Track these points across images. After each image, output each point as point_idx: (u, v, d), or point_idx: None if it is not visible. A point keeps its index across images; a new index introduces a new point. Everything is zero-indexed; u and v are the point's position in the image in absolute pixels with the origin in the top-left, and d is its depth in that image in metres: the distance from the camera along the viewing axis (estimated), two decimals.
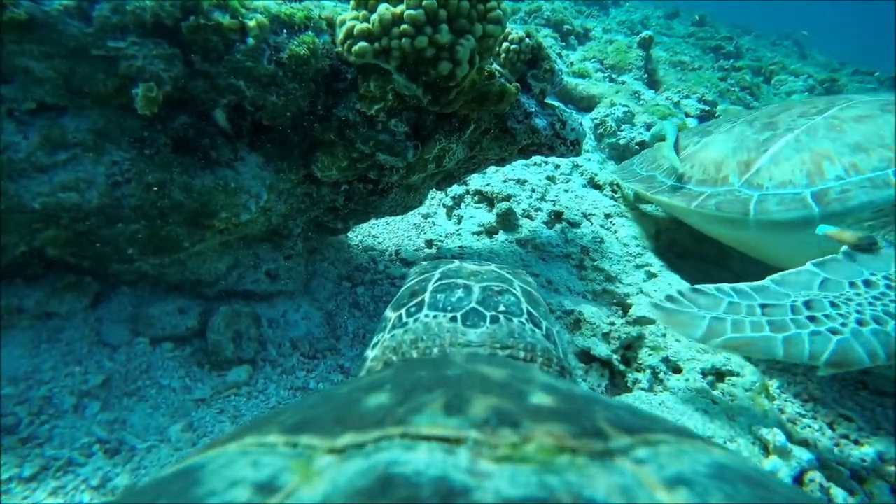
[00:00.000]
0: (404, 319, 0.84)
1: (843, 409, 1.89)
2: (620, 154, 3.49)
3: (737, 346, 1.38)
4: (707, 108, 4.43)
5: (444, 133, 1.69)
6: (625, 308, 1.96)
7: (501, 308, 0.82)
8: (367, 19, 1.35)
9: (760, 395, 1.61)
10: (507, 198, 2.56)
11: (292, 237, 1.78)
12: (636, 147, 3.46)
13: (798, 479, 1.40)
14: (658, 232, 2.50)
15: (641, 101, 4.13)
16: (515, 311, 0.82)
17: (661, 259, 2.26)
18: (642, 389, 1.59)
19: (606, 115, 3.57)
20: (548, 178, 2.79)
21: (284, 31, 1.37)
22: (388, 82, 1.45)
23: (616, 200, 2.72)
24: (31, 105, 1.17)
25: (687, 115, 4.16)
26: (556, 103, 2.13)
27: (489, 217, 2.52)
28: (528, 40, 1.94)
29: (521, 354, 0.76)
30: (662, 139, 2.71)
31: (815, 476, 1.40)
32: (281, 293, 1.88)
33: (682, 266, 2.38)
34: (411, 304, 0.86)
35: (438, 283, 0.88)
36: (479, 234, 2.46)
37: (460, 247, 2.36)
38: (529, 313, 0.83)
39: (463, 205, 2.66)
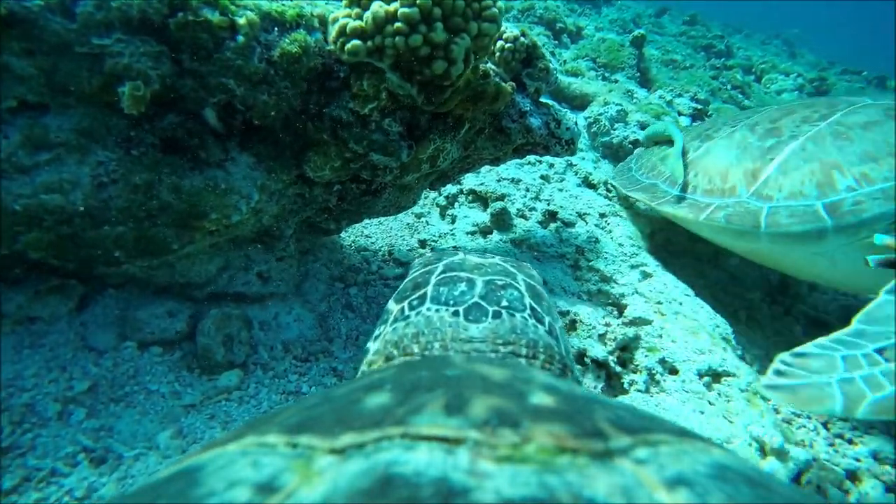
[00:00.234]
0: (406, 312, 0.83)
1: None
2: (614, 153, 3.48)
3: (889, 408, 1.19)
4: (699, 106, 4.44)
5: (438, 133, 1.66)
6: (620, 308, 1.95)
7: (504, 303, 0.81)
8: (360, 17, 1.32)
9: (756, 395, 1.61)
10: (502, 197, 2.54)
11: (284, 238, 1.75)
12: (629, 146, 3.45)
13: (795, 481, 1.39)
14: (653, 231, 2.49)
15: (634, 100, 4.13)
16: (518, 306, 0.81)
17: (656, 259, 2.25)
18: (638, 391, 1.58)
19: (600, 114, 3.56)
20: (542, 177, 2.77)
21: (275, 28, 1.34)
22: (381, 81, 1.42)
23: (610, 199, 2.71)
24: (12, 103, 1.13)
25: (679, 114, 4.17)
26: (550, 102, 2.11)
27: (483, 217, 2.50)
28: (522, 39, 1.92)
29: (523, 351, 0.75)
30: (658, 141, 2.69)
31: (812, 477, 1.40)
32: (272, 295, 1.85)
33: (677, 265, 2.37)
34: (414, 296, 0.85)
35: (441, 275, 0.87)
36: (473, 234, 2.44)
37: (454, 247, 2.33)
38: (532, 308, 0.82)
39: (457, 204, 2.64)
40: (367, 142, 1.52)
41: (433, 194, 2.70)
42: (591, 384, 1.59)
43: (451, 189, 2.65)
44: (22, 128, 1.14)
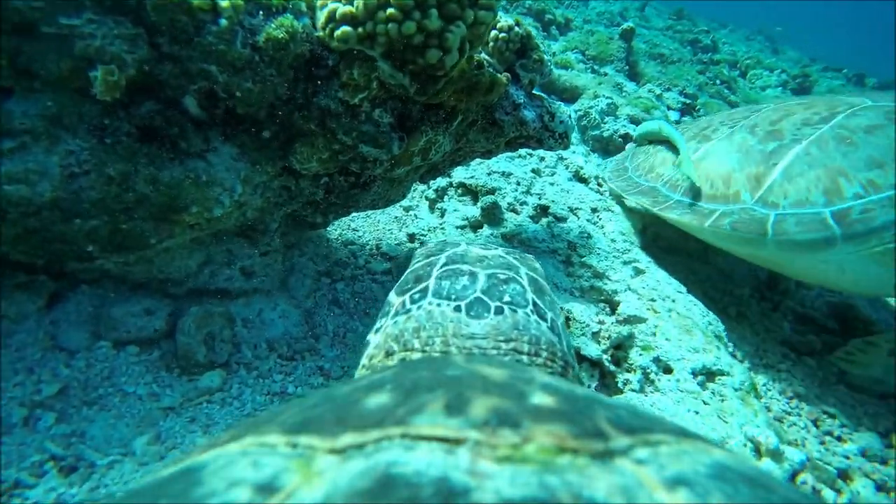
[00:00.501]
0: (408, 306, 0.82)
1: (826, 406, 1.90)
2: (604, 146, 3.45)
3: None
4: (688, 101, 4.43)
5: (430, 125, 1.60)
6: (612, 305, 1.92)
7: (507, 298, 0.80)
8: (350, 2, 1.25)
9: (750, 394, 1.60)
10: (492, 191, 2.49)
11: (269, 232, 1.68)
12: (619, 140, 3.43)
13: (790, 481, 1.38)
14: (644, 226, 2.47)
15: (624, 94, 4.10)
16: (521, 301, 0.80)
17: (648, 255, 2.23)
18: (633, 391, 1.55)
19: (590, 107, 3.52)
20: (533, 170, 2.73)
21: (260, 12, 1.26)
22: (372, 70, 1.36)
23: (602, 194, 2.68)
24: None
25: (669, 108, 4.15)
26: (542, 95, 2.06)
27: (473, 211, 2.45)
28: (517, 29, 1.87)
29: (525, 348, 0.74)
30: (653, 141, 2.65)
31: (807, 478, 1.39)
32: (256, 291, 1.78)
33: (668, 261, 2.36)
34: (415, 289, 0.84)
35: (444, 268, 0.86)
36: (463, 228, 2.39)
37: (444, 241, 2.28)
38: (535, 304, 0.81)
39: (446, 198, 2.58)
40: (357, 133, 1.46)
41: (422, 187, 2.64)
42: (584, 383, 1.56)
43: (440, 182, 2.59)
44: None
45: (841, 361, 2.02)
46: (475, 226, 2.39)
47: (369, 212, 2.41)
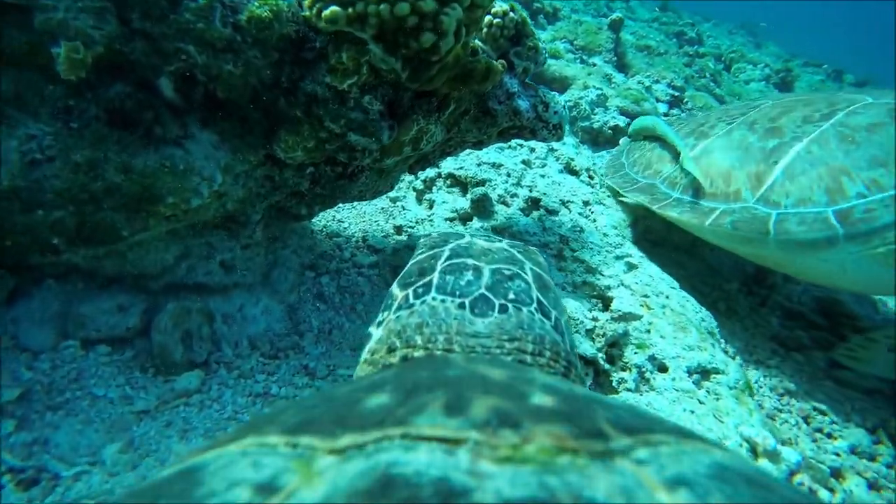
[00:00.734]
0: (411, 300, 0.81)
1: (816, 402, 1.90)
2: (593, 138, 3.41)
3: None
4: (676, 93, 4.41)
5: (422, 113, 1.53)
6: (605, 301, 1.89)
7: (511, 295, 0.79)
8: None
9: (744, 392, 1.58)
10: (482, 182, 2.43)
11: (251, 225, 1.60)
12: (609, 131, 3.39)
13: (786, 481, 1.37)
14: (636, 220, 2.44)
15: (613, 85, 4.06)
16: (525, 299, 0.79)
17: (640, 249, 2.20)
18: (628, 390, 1.52)
19: (580, 98, 3.47)
20: (523, 162, 2.67)
21: None
22: (362, 54, 1.28)
23: (593, 187, 2.63)
24: None
25: (657, 100, 4.13)
26: (534, 84, 2.00)
27: (463, 203, 2.39)
28: (512, 14, 1.80)
29: (529, 347, 0.74)
30: (647, 137, 2.61)
31: (804, 479, 1.37)
32: (237, 286, 1.70)
33: (657, 254, 2.33)
34: (419, 284, 0.83)
35: (448, 262, 0.85)
36: (452, 220, 2.32)
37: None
38: (539, 301, 0.81)
39: (434, 189, 2.51)
40: (345, 121, 1.38)
41: (409, 177, 2.56)
42: (586, 383, 1.52)
43: (428, 172, 2.52)
44: None
45: (843, 357, 2.03)
46: (465, 218, 2.33)
47: (355, 202, 2.33)
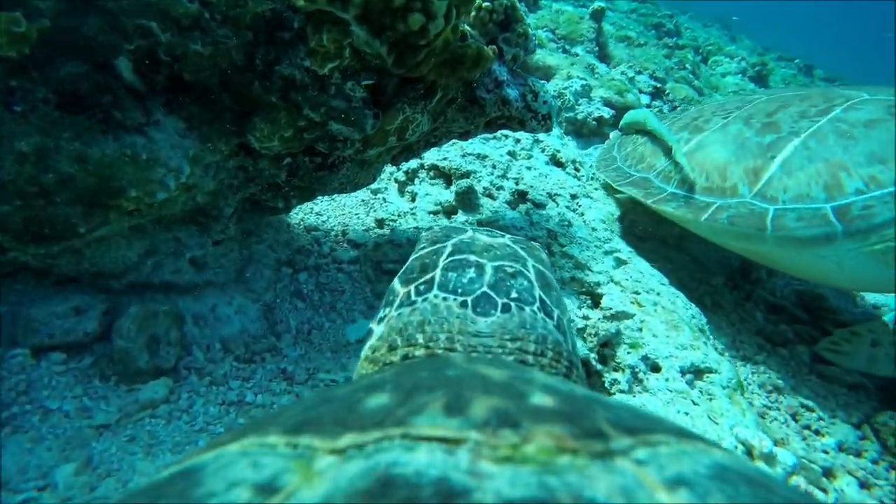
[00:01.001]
0: (412, 297, 0.80)
1: (802, 399, 1.89)
2: (577, 129, 3.35)
3: None
4: (658, 84, 4.39)
5: (408, 101, 1.44)
6: (594, 298, 1.84)
7: (514, 294, 0.78)
8: None
9: (737, 392, 1.55)
10: (467, 174, 2.35)
11: (223, 219, 1.49)
12: (593, 123, 3.34)
13: None
14: (624, 213, 2.39)
15: (596, 75, 4.00)
16: (528, 298, 0.79)
17: (628, 244, 2.15)
18: (621, 391, 1.47)
19: (565, 88, 3.41)
20: (509, 153, 2.59)
21: None
22: (345, 36, 1.18)
23: (580, 179, 2.58)
24: None
25: (640, 92, 4.10)
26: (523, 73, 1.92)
27: (447, 195, 2.31)
28: None
29: (531, 347, 0.73)
30: (640, 130, 2.55)
31: (800, 481, 1.35)
32: (209, 284, 1.59)
33: (643, 249, 2.30)
34: (421, 280, 0.82)
35: (450, 258, 0.84)
36: (435, 213, 2.24)
37: (416, 228, 2.13)
38: (542, 300, 0.80)
39: (417, 180, 2.42)
40: (326, 108, 1.28)
41: (391, 168, 2.46)
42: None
43: (411, 163, 2.42)
44: None
45: (826, 351, 2.03)
46: (449, 211, 2.25)
47: (334, 194, 2.23)
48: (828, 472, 1.52)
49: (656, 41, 7.31)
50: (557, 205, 2.26)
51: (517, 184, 2.34)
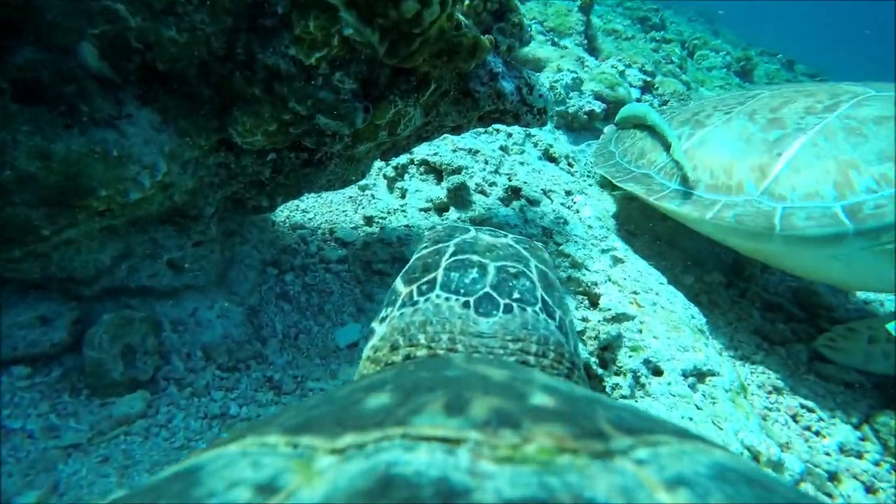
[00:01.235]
0: (415, 297, 0.81)
1: (802, 399, 1.87)
2: (568, 123, 3.30)
3: None
4: (648, 78, 4.35)
5: (400, 93, 1.36)
6: (591, 298, 1.78)
7: (516, 295, 0.78)
8: None
9: (739, 394, 1.51)
10: (458, 170, 2.28)
11: (203, 219, 1.40)
12: (584, 116, 3.29)
13: None
14: (619, 210, 2.34)
15: (586, 68, 3.95)
16: (530, 298, 0.79)
17: (624, 241, 2.10)
18: (623, 396, 1.42)
19: (555, 81, 3.35)
20: (501, 148, 2.52)
21: None
22: (333, 23, 1.09)
23: (574, 175, 2.52)
24: None
25: (631, 85, 4.05)
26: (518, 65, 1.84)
27: (438, 191, 2.23)
28: None
29: (533, 348, 0.73)
30: (638, 125, 2.50)
31: (808, 487, 1.31)
32: (189, 288, 1.50)
33: (637, 245, 2.25)
34: (423, 280, 0.82)
35: (452, 258, 0.84)
36: (427, 210, 2.17)
37: (406, 226, 2.06)
38: (544, 301, 0.80)
39: (407, 176, 2.34)
40: (313, 101, 1.19)
41: (380, 164, 2.38)
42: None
43: (400, 158, 2.34)
44: None
45: (824, 348, 2.00)
46: (440, 208, 2.18)
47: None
48: (833, 477, 1.49)
49: (643, 35, 7.30)
50: (552, 201, 2.20)
51: (510, 179, 2.27)
